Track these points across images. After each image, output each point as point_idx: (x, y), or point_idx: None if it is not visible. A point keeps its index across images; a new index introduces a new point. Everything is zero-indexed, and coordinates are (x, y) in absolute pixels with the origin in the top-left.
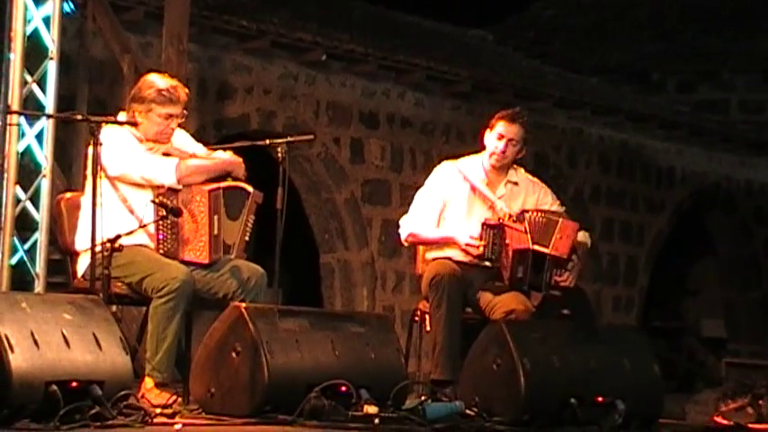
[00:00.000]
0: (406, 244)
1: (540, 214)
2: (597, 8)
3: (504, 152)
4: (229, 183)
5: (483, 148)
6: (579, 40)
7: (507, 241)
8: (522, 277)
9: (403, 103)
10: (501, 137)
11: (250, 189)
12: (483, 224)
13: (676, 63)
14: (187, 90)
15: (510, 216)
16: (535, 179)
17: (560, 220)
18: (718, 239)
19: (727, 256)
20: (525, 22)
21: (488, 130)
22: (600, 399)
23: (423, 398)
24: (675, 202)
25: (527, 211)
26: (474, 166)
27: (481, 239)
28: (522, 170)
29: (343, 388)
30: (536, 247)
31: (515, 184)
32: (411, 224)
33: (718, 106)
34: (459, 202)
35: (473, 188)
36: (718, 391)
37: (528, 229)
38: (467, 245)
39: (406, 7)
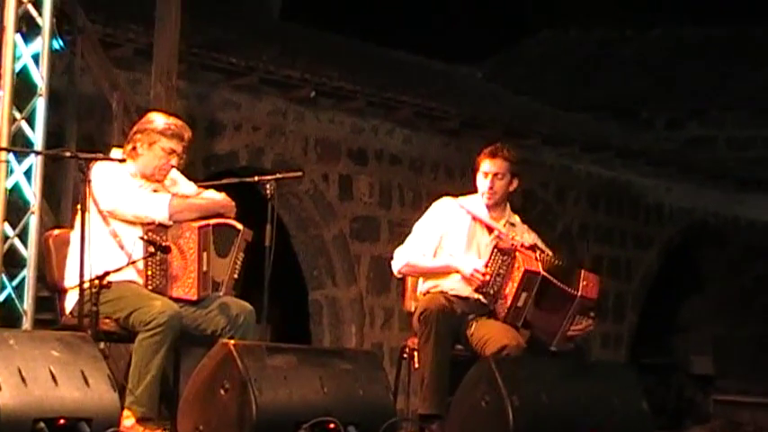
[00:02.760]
0: (399, 275)
1: (550, 257)
2: (586, 45)
3: (491, 188)
4: (219, 220)
5: (476, 189)
6: (568, 76)
7: (517, 265)
8: (521, 307)
9: (392, 139)
10: (486, 174)
11: (240, 227)
12: (494, 248)
13: (665, 100)
14: (191, 134)
15: (522, 245)
16: (529, 228)
17: (582, 268)
18: (707, 276)
19: (717, 293)
20: (514, 58)
21: (477, 171)
22: None
23: None
24: (664, 239)
25: (539, 248)
26: (475, 203)
27: (487, 267)
28: (518, 217)
29: (332, 425)
30: (546, 275)
31: (513, 225)
32: (407, 254)
33: (706, 143)
34: (459, 234)
35: (475, 219)
36: (706, 428)
37: (539, 260)
38: (474, 272)
39: (394, 44)
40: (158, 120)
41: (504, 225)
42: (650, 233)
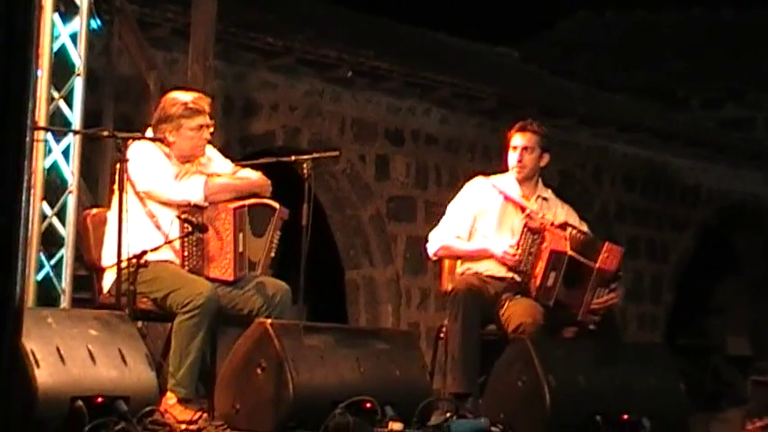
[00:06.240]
0: (434, 258)
1: (581, 233)
2: (622, 26)
3: (520, 161)
4: (255, 200)
5: (507, 168)
6: (604, 57)
7: (545, 245)
8: (551, 286)
9: (428, 119)
10: (515, 148)
11: (276, 206)
12: (524, 227)
13: (702, 81)
14: (209, 99)
15: (552, 223)
16: (562, 202)
17: (606, 241)
18: (743, 257)
19: (753, 274)
20: (551, 39)
21: (508, 147)
22: (625, 417)
23: (448, 415)
24: (701, 220)
25: (570, 225)
26: (506, 181)
27: (518, 247)
28: (551, 191)
29: (368, 405)
30: (573, 254)
31: (545, 199)
32: (443, 237)
33: (743, 124)
34: (492, 214)
35: (507, 198)
36: (743, 410)
37: (568, 239)
38: (504, 253)
39: (431, 25)
40: (175, 103)
41: (536, 200)
42: (686, 214)
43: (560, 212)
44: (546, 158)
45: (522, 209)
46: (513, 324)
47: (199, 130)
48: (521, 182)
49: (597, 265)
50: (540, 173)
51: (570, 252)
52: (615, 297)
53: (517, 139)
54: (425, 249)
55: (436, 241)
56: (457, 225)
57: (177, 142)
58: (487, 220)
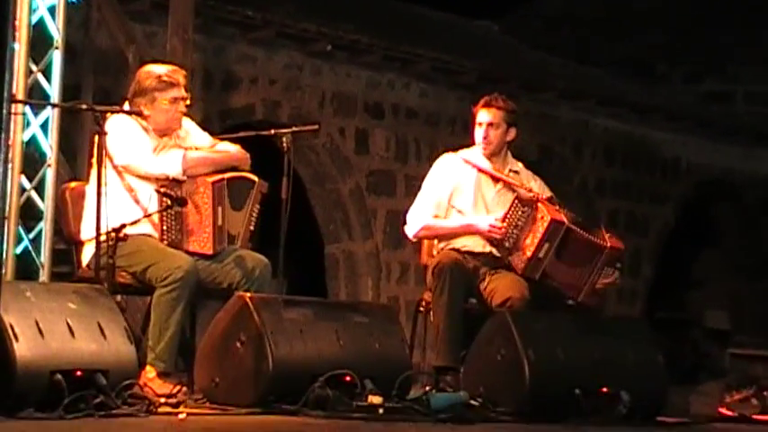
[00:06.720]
0: (414, 239)
1: (571, 212)
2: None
3: (486, 137)
4: (234, 173)
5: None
6: (585, 31)
7: (540, 215)
8: (542, 258)
9: (408, 93)
10: (481, 124)
11: (255, 179)
12: (515, 199)
13: (682, 55)
14: (185, 72)
15: (541, 196)
16: (534, 174)
17: (602, 225)
18: (723, 231)
19: (732, 248)
20: (531, 13)
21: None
22: (604, 390)
23: (427, 388)
24: (680, 194)
25: (555, 200)
26: (476, 155)
27: (504, 220)
28: (521, 164)
29: (348, 378)
30: (572, 226)
31: (516, 172)
32: (422, 217)
33: (723, 98)
34: (467, 189)
35: (481, 170)
36: (722, 383)
37: (562, 211)
38: (490, 227)
39: None
40: (149, 76)
41: (508, 174)
42: (666, 188)
43: (534, 185)
44: (512, 133)
45: (496, 180)
46: (499, 298)
47: (173, 102)
48: (488, 157)
49: (608, 243)
50: (508, 146)
51: (568, 223)
52: (618, 276)
53: (482, 115)
54: (405, 225)
55: (416, 222)
56: (434, 203)
57: (152, 115)
58: (464, 196)
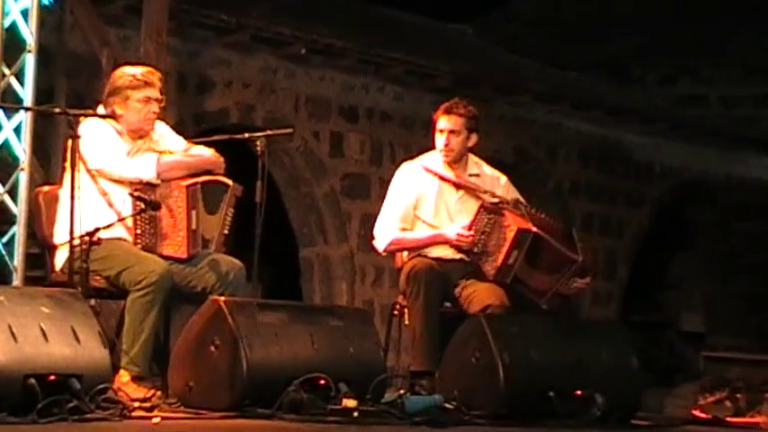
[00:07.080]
0: (384, 254)
1: (541, 213)
2: (577, 2)
3: (447, 145)
4: (208, 177)
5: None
6: (559, 34)
7: (507, 224)
8: (511, 264)
9: (383, 97)
10: (442, 131)
11: (229, 183)
12: (480, 207)
13: (656, 58)
14: (160, 74)
15: (507, 201)
16: (497, 172)
17: (573, 229)
18: (697, 234)
19: (707, 251)
20: (505, 16)
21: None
22: (579, 392)
23: (402, 391)
24: (655, 197)
25: (522, 203)
26: (436, 162)
27: (471, 228)
28: (485, 164)
29: (322, 381)
30: (538, 232)
31: (477, 176)
32: (389, 231)
33: (698, 101)
34: (429, 198)
35: (442, 179)
36: (696, 385)
37: (527, 216)
38: (458, 236)
39: (385, 1)
40: (123, 75)
41: (468, 178)
42: (641, 191)
43: (498, 188)
44: (474, 139)
45: (458, 186)
46: (478, 305)
47: (147, 102)
48: (449, 164)
49: (581, 257)
50: (468, 151)
51: (536, 230)
52: (589, 282)
53: (443, 122)
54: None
55: (384, 237)
56: (400, 216)
57: (125, 115)
58: (426, 205)
